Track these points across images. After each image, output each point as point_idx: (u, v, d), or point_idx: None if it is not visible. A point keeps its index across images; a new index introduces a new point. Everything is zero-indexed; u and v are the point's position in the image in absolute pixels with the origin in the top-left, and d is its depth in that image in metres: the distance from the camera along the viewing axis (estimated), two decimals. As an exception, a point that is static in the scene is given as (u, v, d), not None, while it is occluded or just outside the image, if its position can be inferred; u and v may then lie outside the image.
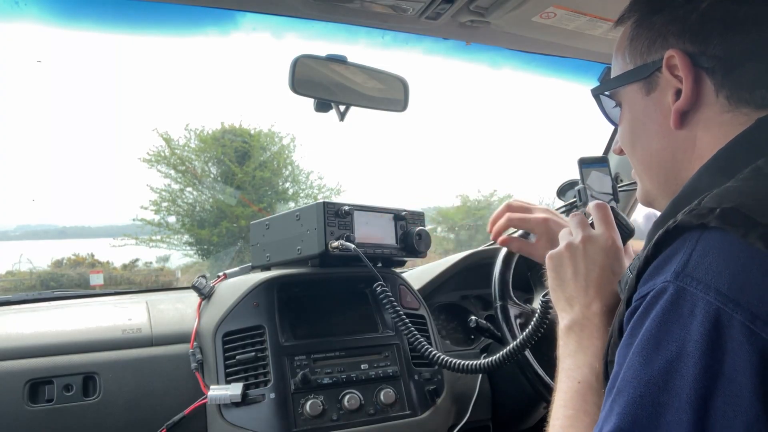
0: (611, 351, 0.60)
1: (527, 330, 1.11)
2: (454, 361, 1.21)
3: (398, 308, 1.28)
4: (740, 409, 0.45)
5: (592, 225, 0.82)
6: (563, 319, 0.78)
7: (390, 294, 1.29)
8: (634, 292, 0.56)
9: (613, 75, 0.74)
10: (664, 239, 0.54)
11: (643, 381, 0.49)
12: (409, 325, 1.28)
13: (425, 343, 1.26)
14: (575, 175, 1.40)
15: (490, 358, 1.16)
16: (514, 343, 1.13)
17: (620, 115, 0.75)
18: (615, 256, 0.79)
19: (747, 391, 0.45)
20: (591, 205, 0.83)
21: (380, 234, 1.43)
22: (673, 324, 0.49)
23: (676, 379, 0.48)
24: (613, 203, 1.35)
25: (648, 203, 0.76)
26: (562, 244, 0.81)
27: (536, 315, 1.08)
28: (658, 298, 0.51)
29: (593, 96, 0.77)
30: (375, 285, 1.30)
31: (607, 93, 0.75)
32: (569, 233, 0.82)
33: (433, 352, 1.24)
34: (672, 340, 0.49)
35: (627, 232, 0.85)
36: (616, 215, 0.84)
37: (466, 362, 1.21)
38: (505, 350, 1.14)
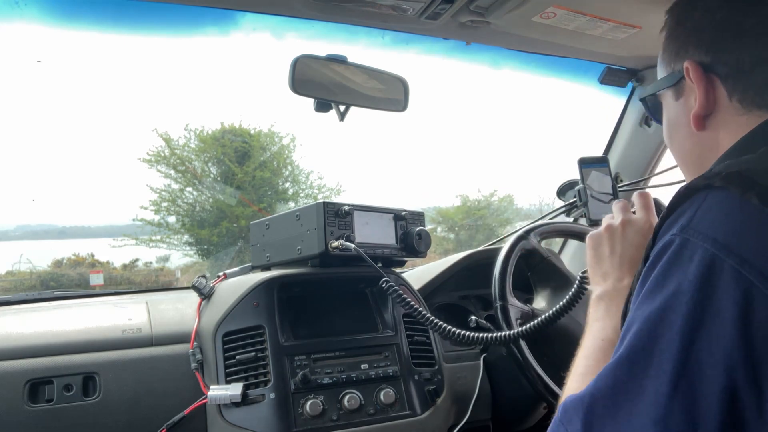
0: (627, 309, 0.66)
1: (563, 301, 1.14)
2: (482, 335, 1.21)
3: (408, 299, 1.28)
4: (722, 338, 0.52)
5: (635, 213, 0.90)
6: (596, 291, 0.86)
7: (397, 288, 1.29)
8: (651, 250, 0.62)
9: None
10: (677, 200, 0.61)
11: (644, 318, 0.57)
12: (425, 313, 1.27)
13: (446, 325, 1.24)
14: (575, 175, 1.40)
15: (521, 328, 1.18)
16: (549, 312, 1.16)
17: (663, 117, 0.83)
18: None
19: (729, 324, 0.52)
20: (636, 193, 0.91)
21: (380, 234, 1.43)
22: (675, 269, 0.57)
23: (670, 313, 0.55)
24: (613, 203, 1.35)
25: None
26: (603, 226, 0.89)
27: (573, 287, 1.13)
28: (666, 250, 0.58)
29: (640, 100, 0.86)
30: (381, 281, 1.29)
31: (649, 96, 0.84)
32: (611, 217, 0.90)
33: (458, 331, 1.23)
34: (672, 281, 0.56)
35: None
36: (659, 205, 0.91)
37: (496, 334, 1.21)
38: (538, 319, 1.17)
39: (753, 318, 0.51)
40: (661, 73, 0.80)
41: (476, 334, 1.21)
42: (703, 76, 0.71)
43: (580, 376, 0.76)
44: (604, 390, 0.58)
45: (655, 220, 0.87)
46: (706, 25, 0.71)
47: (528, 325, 1.18)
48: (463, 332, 1.22)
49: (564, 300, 1.15)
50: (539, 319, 1.18)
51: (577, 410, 0.59)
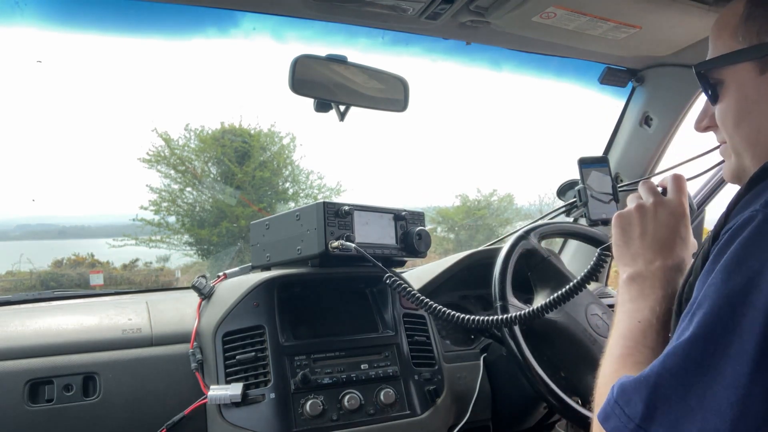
0: (687, 290, 0.63)
1: (580, 275, 1.12)
2: (496, 317, 1.19)
3: (414, 292, 1.27)
4: None
5: (663, 194, 0.87)
6: (625, 272, 0.83)
7: (402, 282, 1.29)
8: (722, 228, 0.59)
9: (716, 54, 0.74)
10: (758, 176, 0.60)
11: (723, 295, 0.54)
12: (430, 303, 1.25)
13: (454, 312, 1.23)
14: (575, 174, 1.40)
15: (540, 304, 1.16)
16: (565, 288, 1.13)
17: (721, 93, 0.74)
18: (683, 222, 0.84)
19: None
20: (670, 176, 0.89)
21: (380, 234, 1.43)
22: (757, 246, 0.54)
23: (754, 293, 0.52)
24: (613, 203, 1.35)
25: (738, 180, 0.76)
26: (631, 206, 0.86)
27: (591, 262, 1.10)
28: (746, 225, 0.55)
29: (696, 72, 0.76)
30: (384, 277, 1.29)
31: (714, 70, 0.75)
32: (638, 197, 0.87)
33: (469, 317, 1.21)
34: (755, 259, 0.53)
35: (691, 210, 0.90)
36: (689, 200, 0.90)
37: (509, 314, 1.19)
38: (556, 294, 1.14)
39: None
40: (732, 44, 0.72)
41: (493, 317, 1.20)
42: None
43: (619, 358, 0.73)
44: (674, 370, 0.55)
45: (687, 202, 0.86)
46: None
47: (547, 301, 1.15)
48: (478, 318, 1.20)
49: (582, 273, 1.12)
50: (557, 294, 1.14)
51: (639, 390, 0.56)
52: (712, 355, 0.53)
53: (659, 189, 0.88)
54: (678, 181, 0.87)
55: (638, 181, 1.83)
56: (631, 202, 0.88)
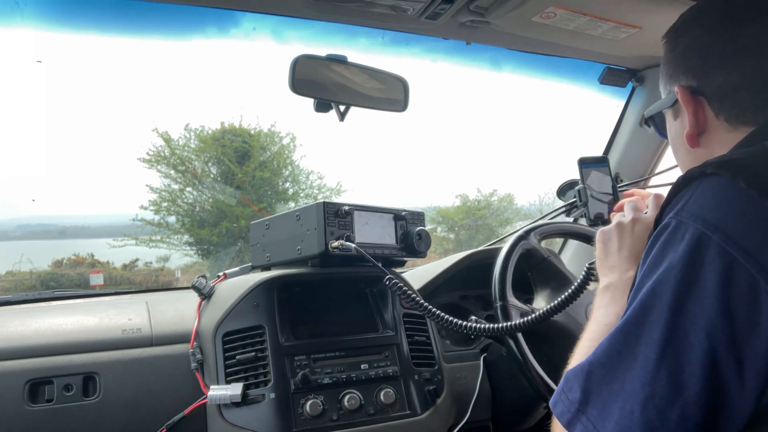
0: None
1: (570, 289, 1.14)
2: (489, 325, 1.20)
3: (414, 295, 1.27)
4: (705, 307, 0.57)
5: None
6: (602, 281, 0.91)
7: (402, 284, 1.28)
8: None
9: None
10: (675, 189, 0.67)
11: (641, 292, 0.62)
12: (431, 308, 1.25)
13: (452, 318, 1.23)
14: (575, 174, 1.40)
15: (527, 317, 1.18)
16: (553, 303, 1.15)
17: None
18: None
19: (712, 294, 0.57)
20: (652, 195, 0.96)
21: (380, 234, 1.43)
22: (669, 248, 0.62)
23: (661, 286, 0.60)
24: (613, 203, 1.35)
25: None
26: (613, 222, 0.95)
27: (579, 278, 1.13)
28: (663, 232, 0.64)
29: (647, 119, 0.92)
30: (385, 279, 1.28)
31: (656, 115, 0.89)
32: (622, 215, 0.95)
33: (464, 323, 1.21)
34: (665, 260, 0.62)
35: None
36: None
37: (502, 324, 1.20)
38: (543, 309, 1.15)
39: (734, 290, 0.56)
40: (662, 94, 0.86)
41: (491, 325, 1.20)
42: (691, 99, 0.77)
43: (581, 356, 0.79)
44: (602, 358, 0.63)
45: None
46: (692, 51, 0.78)
47: (533, 315, 1.16)
48: (477, 325, 1.21)
49: (571, 288, 1.14)
50: (547, 307, 1.15)
51: (578, 378, 0.65)
52: (629, 344, 0.61)
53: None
54: (657, 199, 0.96)
55: (638, 181, 1.85)
56: (615, 219, 0.96)
